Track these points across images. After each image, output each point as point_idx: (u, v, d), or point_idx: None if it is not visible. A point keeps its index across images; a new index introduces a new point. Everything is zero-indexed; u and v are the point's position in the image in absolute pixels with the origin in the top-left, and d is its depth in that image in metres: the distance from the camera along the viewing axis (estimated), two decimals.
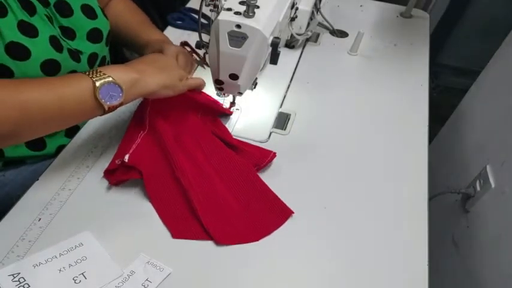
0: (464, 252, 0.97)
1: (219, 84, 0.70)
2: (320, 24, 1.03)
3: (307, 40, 1.03)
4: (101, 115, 0.61)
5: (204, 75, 0.77)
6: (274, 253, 0.60)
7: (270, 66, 0.72)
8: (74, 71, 0.71)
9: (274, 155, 0.71)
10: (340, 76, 0.94)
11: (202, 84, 0.75)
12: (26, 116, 0.53)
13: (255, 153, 0.71)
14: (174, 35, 1.00)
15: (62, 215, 0.61)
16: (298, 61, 0.97)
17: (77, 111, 0.58)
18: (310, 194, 0.68)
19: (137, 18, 0.89)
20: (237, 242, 0.60)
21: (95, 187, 0.66)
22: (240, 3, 0.63)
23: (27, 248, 0.57)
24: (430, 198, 0.71)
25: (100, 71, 0.59)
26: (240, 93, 0.73)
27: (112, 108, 0.60)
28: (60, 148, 0.74)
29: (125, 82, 0.60)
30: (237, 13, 0.61)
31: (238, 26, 0.61)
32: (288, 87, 0.89)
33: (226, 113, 0.79)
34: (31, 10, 0.66)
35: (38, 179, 0.66)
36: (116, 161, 0.66)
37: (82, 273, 0.54)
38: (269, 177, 0.68)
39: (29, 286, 0.52)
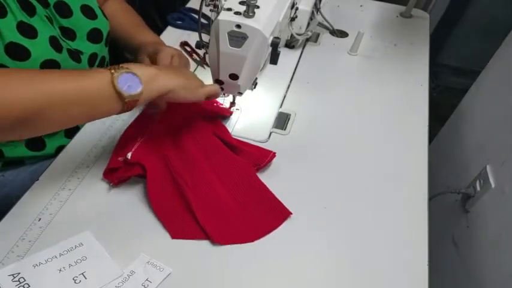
0: (464, 252, 0.97)
1: (219, 84, 0.71)
2: (320, 24, 1.03)
3: (307, 40, 1.03)
4: (120, 111, 0.58)
5: (204, 75, 0.77)
6: (274, 253, 0.60)
7: (270, 66, 0.72)
8: None
9: (274, 155, 0.71)
10: (340, 76, 0.94)
11: (219, 92, 0.72)
12: (49, 101, 0.53)
13: (255, 153, 0.71)
14: (174, 35, 1.01)
15: (62, 215, 0.61)
16: (298, 61, 0.97)
17: (96, 101, 0.56)
18: (310, 194, 0.68)
19: (131, 19, 0.89)
20: (234, 242, 0.60)
21: (95, 187, 0.66)
22: (240, 3, 0.63)
23: (27, 248, 0.57)
24: (430, 198, 0.71)
25: (121, 66, 0.58)
26: (240, 93, 0.73)
27: (131, 104, 0.58)
28: (60, 148, 0.74)
29: (144, 75, 0.59)
30: (237, 13, 0.61)
31: (238, 26, 0.61)
32: (288, 87, 0.89)
33: (226, 115, 0.79)
34: (31, 11, 0.66)
35: (37, 179, 0.66)
36: (119, 159, 0.66)
37: (82, 273, 0.54)
38: (269, 177, 0.68)
39: (29, 286, 0.52)
